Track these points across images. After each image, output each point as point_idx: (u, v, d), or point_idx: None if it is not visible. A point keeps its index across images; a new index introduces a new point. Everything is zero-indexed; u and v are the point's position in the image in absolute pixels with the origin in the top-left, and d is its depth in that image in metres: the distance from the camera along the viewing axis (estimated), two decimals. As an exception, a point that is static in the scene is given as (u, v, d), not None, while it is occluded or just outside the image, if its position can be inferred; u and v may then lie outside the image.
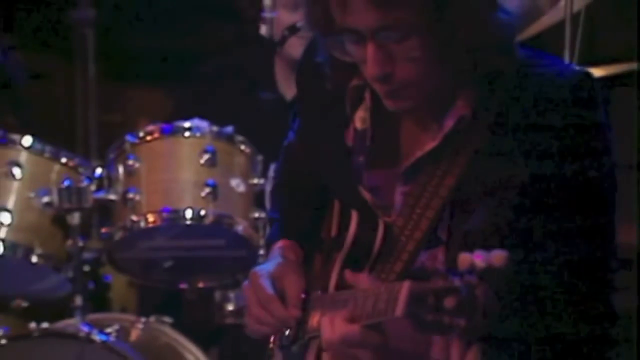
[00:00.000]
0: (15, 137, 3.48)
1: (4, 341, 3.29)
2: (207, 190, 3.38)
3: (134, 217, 3.38)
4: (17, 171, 3.45)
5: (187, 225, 3.41)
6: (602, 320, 2.27)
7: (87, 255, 3.53)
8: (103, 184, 3.48)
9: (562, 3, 3.29)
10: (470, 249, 1.97)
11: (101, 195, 3.42)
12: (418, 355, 2.08)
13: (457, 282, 1.90)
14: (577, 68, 2.34)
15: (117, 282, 3.92)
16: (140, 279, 3.86)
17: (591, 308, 2.21)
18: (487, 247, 1.98)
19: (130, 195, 3.39)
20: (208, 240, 3.46)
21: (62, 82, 4.71)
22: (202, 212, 3.38)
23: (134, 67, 4.95)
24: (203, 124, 3.46)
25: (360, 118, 2.34)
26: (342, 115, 2.35)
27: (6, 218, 3.42)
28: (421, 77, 2.19)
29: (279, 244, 2.49)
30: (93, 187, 3.45)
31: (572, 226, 2.18)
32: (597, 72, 3.55)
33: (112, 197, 3.42)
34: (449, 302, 1.88)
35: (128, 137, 3.47)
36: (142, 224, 3.39)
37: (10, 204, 3.44)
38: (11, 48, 3.88)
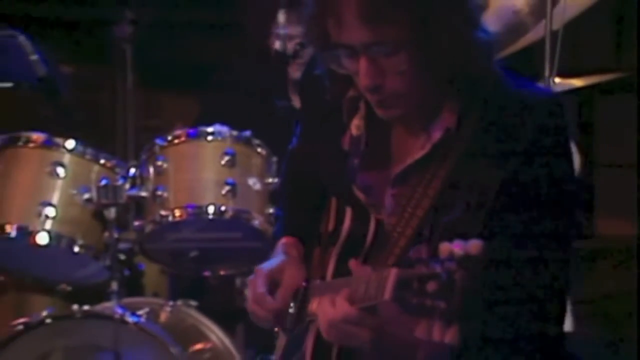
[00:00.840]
0: (60, 140, 3.49)
1: (49, 320, 3.30)
2: (227, 188, 3.40)
3: (163, 212, 3.41)
4: (60, 171, 3.46)
5: (210, 220, 3.42)
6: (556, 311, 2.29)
7: (122, 245, 3.53)
8: (136, 182, 3.49)
9: (544, 21, 3.34)
10: (448, 240, 2.00)
11: (134, 192, 3.45)
12: (405, 335, 2.06)
13: (438, 268, 1.93)
14: (547, 89, 2.42)
15: (150, 270, 3.91)
16: (169, 267, 3.85)
17: (546, 301, 2.21)
18: (464, 238, 2.01)
19: (159, 193, 3.42)
20: (228, 233, 3.48)
21: (106, 91, 4.78)
22: (223, 208, 3.40)
23: (168, 77, 4.99)
24: (224, 129, 3.48)
25: (355, 125, 2.34)
26: (340, 123, 2.35)
27: (51, 212, 3.43)
28: (409, 88, 2.20)
29: (282, 240, 2.50)
30: (127, 185, 3.47)
31: (536, 225, 2.20)
32: (575, 82, 3.66)
33: (144, 194, 3.44)
34: (431, 287, 1.92)
35: (157, 141, 3.50)
36: (170, 218, 3.41)
37: (55, 199, 3.46)
38: (57, 61, 3.89)
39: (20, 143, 3.53)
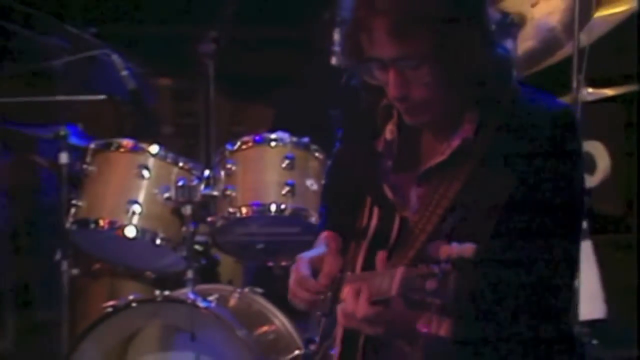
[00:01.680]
0: (145, 145, 3.59)
1: (134, 304, 3.37)
2: (287, 188, 3.45)
3: (231, 209, 3.47)
4: (145, 172, 3.56)
5: (272, 216, 3.48)
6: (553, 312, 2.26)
7: (199, 238, 3.59)
8: (209, 182, 3.55)
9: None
10: (459, 239, 2.03)
11: (207, 191, 3.51)
12: (410, 327, 2.08)
13: (435, 269, 1.96)
14: (562, 103, 2.36)
15: (225, 259, 3.95)
16: (238, 258, 3.92)
17: (550, 298, 2.21)
18: (476, 238, 2.06)
19: (228, 192, 3.48)
20: (288, 228, 3.53)
21: (198, 100, 4.81)
22: (283, 206, 3.45)
23: (250, 88, 5.06)
24: (285, 136, 3.53)
25: (389, 130, 2.35)
26: (374, 128, 2.37)
27: (137, 209, 3.53)
28: (432, 98, 2.21)
29: (324, 234, 2.50)
30: (201, 185, 3.52)
31: (542, 229, 2.19)
32: (607, 91, 3.64)
33: (215, 193, 3.51)
34: (430, 285, 1.95)
35: (227, 146, 3.56)
36: (237, 215, 3.47)
37: (141, 198, 3.55)
38: (144, 74, 3.93)
39: (112, 148, 3.63)
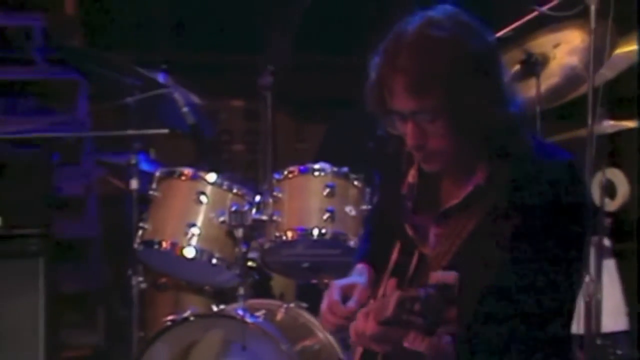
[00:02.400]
0: (204, 174, 3.65)
1: (191, 318, 3.43)
2: (328, 214, 3.49)
3: (277, 233, 3.52)
4: (203, 198, 3.61)
5: (314, 240, 3.52)
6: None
7: (253, 255, 3.61)
8: (259, 207, 3.59)
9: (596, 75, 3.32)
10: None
11: (257, 216, 3.55)
12: (400, 345, 2.13)
13: (421, 292, 2.01)
14: (568, 157, 2.34)
15: (277, 275, 4.01)
16: (285, 275, 3.97)
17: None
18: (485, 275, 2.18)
19: (275, 217, 3.53)
20: (329, 250, 3.56)
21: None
22: (324, 231, 3.49)
23: (310, 109, 5.11)
24: (327, 166, 3.57)
25: (411, 175, 2.41)
26: (400, 172, 2.43)
27: (196, 231, 3.58)
28: (447, 149, 2.25)
29: (359, 265, 2.54)
30: (252, 210, 3.58)
31: (543, 270, 2.23)
32: (628, 123, 3.63)
33: (264, 217, 3.54)
34: (416, 307, 2.00)
35: (275, 175, 3.61)
36: (283, 238, 3.52)
37: (199, 221, 3.60)
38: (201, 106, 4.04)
39: (175, 175, 3.69)
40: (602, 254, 3.60)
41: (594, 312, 3.50)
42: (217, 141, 5.52)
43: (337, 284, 2.45)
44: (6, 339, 4.08)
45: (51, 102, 5.73)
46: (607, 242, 3.82)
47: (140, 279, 3.84)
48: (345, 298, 2.43)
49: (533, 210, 2.23)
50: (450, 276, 2.08)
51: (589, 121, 3.16)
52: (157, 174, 3.73)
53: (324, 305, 2.45)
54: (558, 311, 2.28)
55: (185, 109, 3.76)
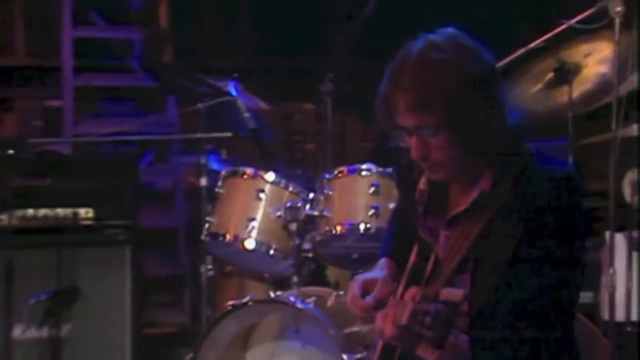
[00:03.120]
0: (263, 173, 3.72)
1: (250, 303, 3.49)
2: (373, 211, 3.52)
3: (327, 227, 3.58)
4: (262, 195, 3.69)
5: (361, 234, 3.56)
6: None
7: (306, 246, 3.69)
8: (312, 204, 3.65)
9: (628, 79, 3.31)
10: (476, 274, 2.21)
11: (309, 212, 3.62)
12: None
13: (432, 307, 2.04)
14: (567, 168, 2.37)
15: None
16: (336, 266, 4.00)
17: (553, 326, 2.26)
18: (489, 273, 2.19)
19: (325, 213, 3.58)
20: (375, 243, 3.49)
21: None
22: (369, 226, 3.52)
23: (373, 114, 5.09)
24: (372, 167, 3.59)
25: (422, 182, 2.43)
26: (413, 180, 2.46)
27: (256, 225, 3.66)
28: (449, 160, 2.28)
29: (383, 260, 2.57)
30: (306, 207, 3.64)
31: (546, 270, 2.23)
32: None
33: (316, 213, 3.60)
34: (427, 319, 2.04)
35: (326, 175, 3.65)
36: (333, 232, 3.57)
37: (258, 216, 3.68)
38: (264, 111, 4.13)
39: (238, 175, 3.77)
40: (632, 246, 3.57)
41: (625, 301, 3.49)
42: (291, 141, 5.61)
43: (359, 278, 2.47)
44: (97, 316, 4.19)
45: (146, 106, 5.94)
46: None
47: (210, 266, 3.94)
48: (366, 292, 2.45)
49: (534, 215, 2.23)
50: (458, 293, 2.14)
51: (614, 126, 3.14)
52: (223, 173, 3.80)
53: (347, 297, 2.48)
54: (558, 308, 2.27)
55: (246, 115, 3.82)
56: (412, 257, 2.42)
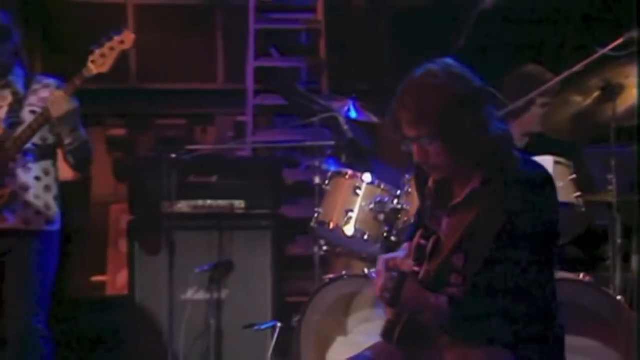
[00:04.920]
0: (360, 174, 3.77)
1: (345, 277, 3.58)
2: None
3: (406, 218, 3.56)
4: (359, 192, 3.73)
5: None
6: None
7: (394, 233, 3.64)
8: (397, 199, 3.64)
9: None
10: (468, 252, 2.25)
11: (393, 205, 3.64)
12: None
13: (393, 275, 2.24)
14: (542, 168, 2.39)
15: None
16: None
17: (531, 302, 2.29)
18: (479, 252, 2.24)
19: (405, 206, 3.59)
20: None
21: None
22: None
23: None
24: None
25: (431, 181, 2.49)
26: (425, 178, 2.52)
27: (353, 216, 3.70)
28: (445, 163, 2.36)
29: (406, 243, 2.61)
30: (392, 201, 3.66)
31: (522, 255, 2.28)
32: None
33: (398, 206, 3.62)
34: (387, 285, 2.25)
35: (407, 175, 3.60)
36: (407, 223, 3.53)
37: (356, 209, 3.72)
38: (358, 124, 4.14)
39: (341, 175, 3.84)
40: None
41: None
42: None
43: (383, 257, 2.52)
44: (246, 284, 4.41)
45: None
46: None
47: (325, 248, 4.04)
48: (389, 268, 2.47)
49: (516, 208, 2.26)
50: (408, 264, 2.29)
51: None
52: (329, 173, 3.89)
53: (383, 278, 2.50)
54: (537, 285, 2.28)
55: (345, 127, 3.91)
56: (416, 239, 2.46)
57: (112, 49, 3.49)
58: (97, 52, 3.49)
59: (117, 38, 3.50)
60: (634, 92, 3.27)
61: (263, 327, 4.12)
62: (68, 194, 5.07)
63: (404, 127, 2.34)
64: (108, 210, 6.27)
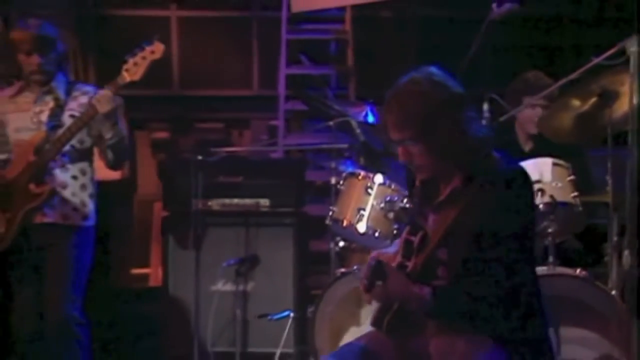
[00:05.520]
0: (372, 175, 3.75)
1: (356, 271, 3.58)
2: None
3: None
4: (370, 191, 3.72)
5: None
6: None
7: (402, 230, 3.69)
8: (406, 199, 3.60)
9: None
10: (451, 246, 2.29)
11: (402, 205, 3.63)
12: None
13: (371, 263, 2.27)
14: (518, 167, 2.40)
15: None
16: None
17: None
18: (461, 246, 2.26)
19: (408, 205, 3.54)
20: None
21: None
22: None
23: None
24: None
25: (418, 180, 2.53)
26: (412, 178, 2.56)
27: (365, 214, 3.70)
28: (427, 164, 2.39)
29: (398, 240, 2.65)
30: (400, 201, 3.64)
31: (497, 247, 2.29)
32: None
33: (406, 206, 3.59)
34: (364, 272, 2.29)
35: None
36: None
37: (367, 207, 3.71)
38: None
39: (354, 176, 3.84)
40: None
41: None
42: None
43: (373, 253, 2.57)
44: (271, 277, 4.43)
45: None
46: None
47: (341, 244, 4.06)
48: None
49: (494, 205, 2.29)
50: (384, 255, 2.36)
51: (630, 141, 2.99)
52: (344, 174, 3.90)
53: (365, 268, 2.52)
54: (516, 276, 2.30)
55: (357, 131, 3.92)
56: (404, 235, 2.50)
57: (144, 58, 3.55)
58: (131, 61, 3.55)
59: (148, 48, 3.56)
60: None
61: (276, 317, 4.14)
62: (115, 192, 5.21)
63: (390, 130, 2.39)
64: (152, 207, 6.38)
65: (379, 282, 2.29)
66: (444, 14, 6.38)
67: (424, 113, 2.31)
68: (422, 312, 2.31)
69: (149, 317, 4.71)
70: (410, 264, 2.38)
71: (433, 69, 2.40)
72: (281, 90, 6.30)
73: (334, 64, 6.45)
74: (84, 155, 3.74)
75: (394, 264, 2.46)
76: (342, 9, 6.31)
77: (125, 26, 6.60)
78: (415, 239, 2.44)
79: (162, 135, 7.16)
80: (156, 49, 3.56)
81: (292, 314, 3.99)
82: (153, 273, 6.28)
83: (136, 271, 5.90)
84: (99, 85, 3.72)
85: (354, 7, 6.21)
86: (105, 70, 6.18)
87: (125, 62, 3.58)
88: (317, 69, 6.49)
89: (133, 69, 3.54)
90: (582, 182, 3.47)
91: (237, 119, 6.93)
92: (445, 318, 2.31)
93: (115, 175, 4.82)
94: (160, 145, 7.03)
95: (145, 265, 6.30)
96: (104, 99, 3.53)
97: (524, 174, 2.36)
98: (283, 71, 6.29)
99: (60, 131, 3.64)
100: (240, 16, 6.73)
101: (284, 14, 6.22)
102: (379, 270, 2.25)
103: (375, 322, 2.40)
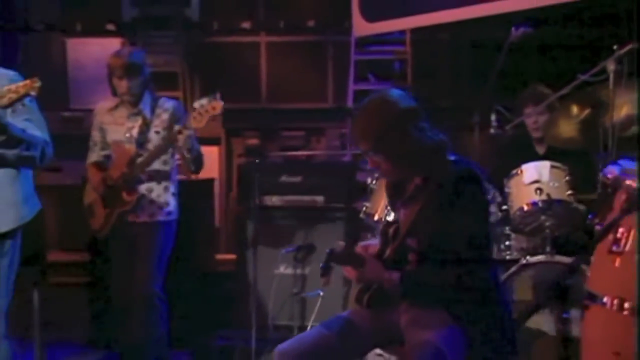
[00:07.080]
0: None
1: None
2: None
3: None
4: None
5: None
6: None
7: None
8: None
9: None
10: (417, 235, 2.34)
11: None
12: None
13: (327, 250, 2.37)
14: (472, 166, 2.41)
15: None
16: None
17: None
18: (423, 235, 2.32)
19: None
20: None
21: None
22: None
23: None
24: None
25: (387, 181, 2.62)
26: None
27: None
28: (390, 170, 2.46)
29: None
30: None
31: (461, 237, 2.33)
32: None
33: None
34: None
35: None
36: None
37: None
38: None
39: None
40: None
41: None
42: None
43: (361, 244, 2.62)
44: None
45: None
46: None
47: (369, 235, 4.06)
48: (366, 252, 2.57)
49: (448, 200, 2.33)
50: (371, 247, 2.42)
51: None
52: (376, 174, 3.88)
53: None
54: (471, 261, 2.32)
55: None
56: (381, 227, 2.56)
57: (207, 111, 3.65)
58: (197, 110, 3.66)
59: (211, 104, 3.64)
60: (623, 109, 3.12)
61: (309, 294, 4.20)
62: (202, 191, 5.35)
63: (356, 142, 2.47)
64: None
65: (361, 269, 2.36)
66: (497, 36, 6.24)
67: (377, 129, 2.36)
68: (394, 293, 2.34)
69: (225, 296, 4.88)
70: (387, 251, 2.44)
71: (390, 90, 2.45)
72: (350, 103, 6.38)
73: (395, 81, 6.45)
74: (165, 175, 3.95)
75: (375, 252, 2.55)
76: (403, 32, 6.30)
77: (224, 51, 6.87)
78: (390, 230, 2.49)
79: (254, 141, 7.37)
80: (217, 106, 3.64)
81: (321, 293, 4.00)
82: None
83: (220, 257, 6.10)
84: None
85: (414, 30, 6.19)
86: (208, 88, 6.47)
87: (193, 109, 3.68)
88: (380, 85, 6.53)
89: (199, 118, 3.64)
90: (589, 182, 3.41)
91: (314, 127, 7.07)
92: (411, 298, 2.38)
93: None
94: (251, 150, 7.26)
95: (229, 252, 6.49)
96: (199, 117, 3.66)
97: (472, 172, 2.39)
98: (351, 87, 6.38)
99: (151, 145, 3.84)
100: (318, 40, 6.89)
101: (352, 38, 6.31)
102: (330, 257, 2.29)
103: (357, 299, 2.48)
